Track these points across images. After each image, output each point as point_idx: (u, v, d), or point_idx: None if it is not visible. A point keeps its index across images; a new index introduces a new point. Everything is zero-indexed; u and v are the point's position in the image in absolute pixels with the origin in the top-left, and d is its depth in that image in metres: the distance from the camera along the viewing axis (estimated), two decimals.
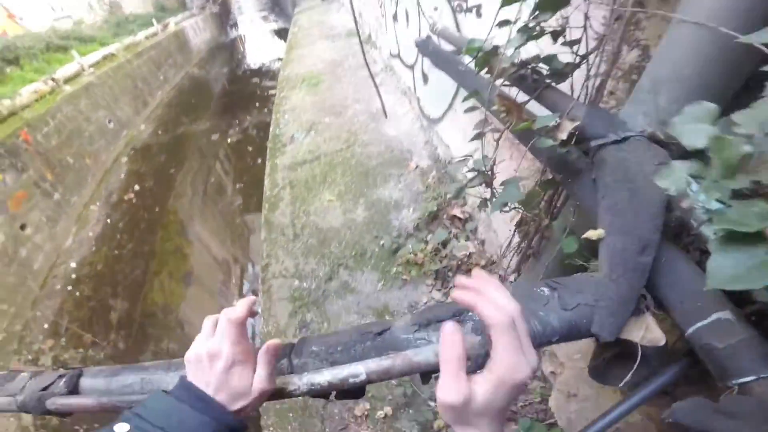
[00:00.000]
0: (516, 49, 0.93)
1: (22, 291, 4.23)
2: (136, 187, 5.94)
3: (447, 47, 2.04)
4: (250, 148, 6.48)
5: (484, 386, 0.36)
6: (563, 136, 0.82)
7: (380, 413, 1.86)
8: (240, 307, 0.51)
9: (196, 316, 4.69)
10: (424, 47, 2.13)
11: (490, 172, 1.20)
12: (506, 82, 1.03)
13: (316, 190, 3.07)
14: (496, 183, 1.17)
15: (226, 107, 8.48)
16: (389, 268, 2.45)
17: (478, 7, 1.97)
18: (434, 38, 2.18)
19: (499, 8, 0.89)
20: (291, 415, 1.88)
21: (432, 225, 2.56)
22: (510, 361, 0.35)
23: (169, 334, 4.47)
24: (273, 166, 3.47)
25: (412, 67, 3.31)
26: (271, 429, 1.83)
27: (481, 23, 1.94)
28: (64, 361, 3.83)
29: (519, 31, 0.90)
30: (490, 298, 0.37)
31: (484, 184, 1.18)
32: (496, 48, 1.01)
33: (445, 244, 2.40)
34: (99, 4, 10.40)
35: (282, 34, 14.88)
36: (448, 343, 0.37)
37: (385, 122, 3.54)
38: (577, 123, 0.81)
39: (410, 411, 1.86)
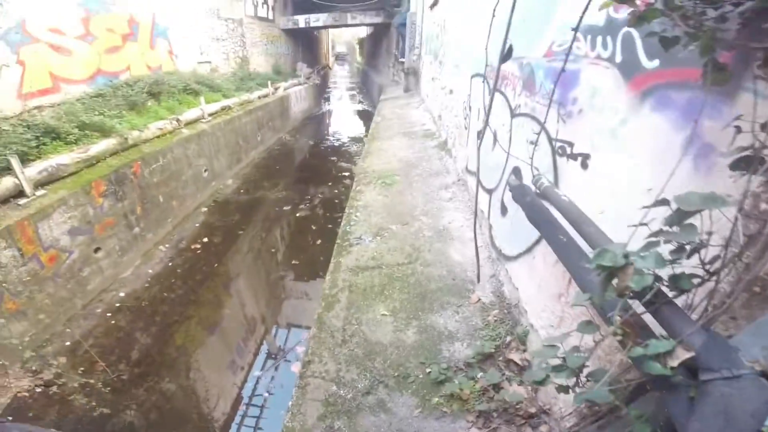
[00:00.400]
0: (649, 271, 0.86)
1: (65, 306, 4.40)
2: (205, 239, 6.29)
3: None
4: (314, 227, 6.78)
5: None
6: (674, 364, 0.78)
7: None
8: None
9: (205, 364, 4.57)
10: (519, 194, 2.12)
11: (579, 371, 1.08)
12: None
13: (372, 300, 3.00)
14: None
15: (302, 179, 9.19)
16: (430, 397, 2.21)
17: (585, 157, 1.78)
18: (532, 188, 2.09)
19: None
20: None
21: (485, 364, 2.33)
22: None
23: (171, 374, 4.33)
24: (337, 264, 3.52)
25: (490, 192, 3.36)
26: None
27: (587, 179, 1.74)
28: (63, 381, 3.74)
29: (649, 244, 0.84)
30: None
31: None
32: (628, 263, 0.95)
33: (496, 386, 2.16)
34: (233, 56, 11.48)
35: (363, 115, 16.63)
36: None
37: (450, 244, 3.54)
38: (692, 354, 0.76)
39: None
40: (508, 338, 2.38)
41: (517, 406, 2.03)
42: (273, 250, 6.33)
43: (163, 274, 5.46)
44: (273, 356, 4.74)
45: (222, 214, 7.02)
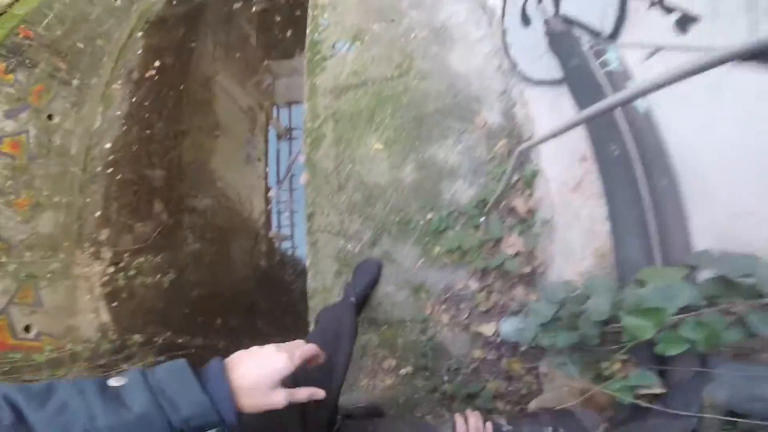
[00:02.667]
0: None
1: (68, 178, 4.39)
2: (157, 63, 5.44)
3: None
4: (278, 18, 5.57)
5: None
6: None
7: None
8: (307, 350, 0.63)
9: (226, 166, 5.17)
10: (563, 48, 1.52)
11: None
12: None
13: (361, 130, 2.69)
14: None
15: None
16: (432, 248, 2.37)
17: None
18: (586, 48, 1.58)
19: None
20: None
21: (488, 208, 2.30)
22: None
23: (203, 189, 5.00)
24: (312, 87, 2.97)
25: None
26: None
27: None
28: (120, 252, 4.25)
29: None
30: None
31: None
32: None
33: (497, 241, 2.21)
34: None
35: None
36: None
37: (451, 48, 2.79)
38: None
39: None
40: (515, 177, 2.19)
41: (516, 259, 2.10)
42: (238, 54, 5.49)
43: (134, 112, 5.07)
44: (284, 138, 5.34)
45: (163, 33, 5.74)
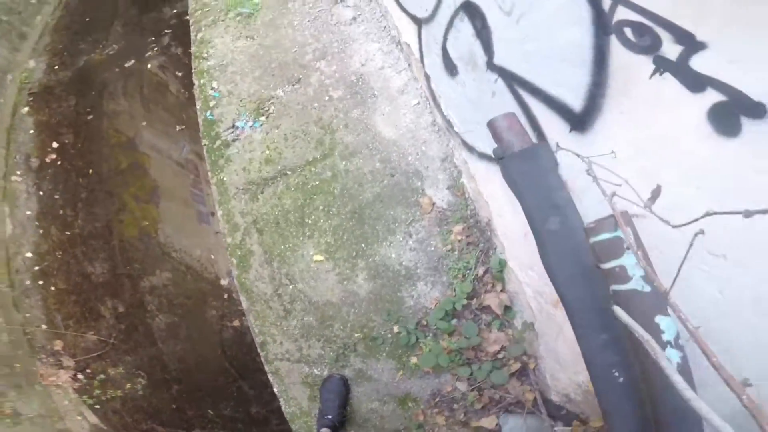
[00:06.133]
0: None
1: None
2: (54, 144, 4.70)
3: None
4: (179, 73, 4.77)
5: None
6: None
7: None
8: None
9: (177, 233, 4.77)
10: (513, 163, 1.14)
11: None
12: None
13: (294, 239, 2.25)
14: None
15: (133, 24, 5.87)
16: (407, 360, 2.08)
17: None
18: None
19: None
20: None
21: (458, 312, 1.96)
22: None
23: (157, 264, 4.60)
24: (221, 186, 2.45)
25: (419, 23, 1.85)
26: None
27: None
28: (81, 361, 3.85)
29: None
30: None
31: None
32: None
33: (474, 343, 1.90)
34: None
35: None
36: None
37: (374, 106, 2.26)
38: None
39: None
40: (481, 270, 1.83)
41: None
42: (159, 105, 4.76)
43: (45, 209, 4.41)
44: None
45: (53, 105, 4.89)
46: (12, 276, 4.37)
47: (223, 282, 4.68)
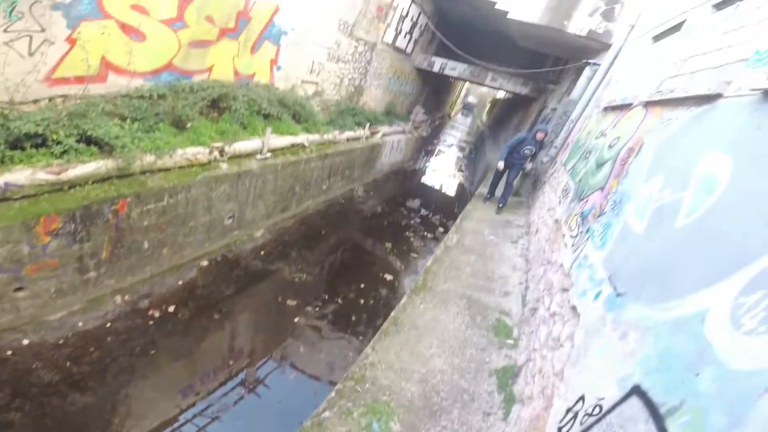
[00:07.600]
0: None
1: None
2: (171, 308, 4.75)
3: None
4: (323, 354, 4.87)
5: None
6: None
7: None
8: None
9: None
10: None
11: None
12: None
13: None
14: None
15: (337, 264, 7.29)
16: None
17: None
18: None
19: None
20: None
21: None
22: None
23: None
24: None
25: None
26: None
27: None
28: None
29: None
30: None
31: None
32: None
33: None
34: (348, 83, 9.74)
35: (457, 189, 14.31)
36: None
37: None
38: None
39: None
40: None
41: None
42: (245, 379, 4.49)
43: (90, 335, 4.08)
44: None
45: (218, 278, 5.48)
46: None
47: None
